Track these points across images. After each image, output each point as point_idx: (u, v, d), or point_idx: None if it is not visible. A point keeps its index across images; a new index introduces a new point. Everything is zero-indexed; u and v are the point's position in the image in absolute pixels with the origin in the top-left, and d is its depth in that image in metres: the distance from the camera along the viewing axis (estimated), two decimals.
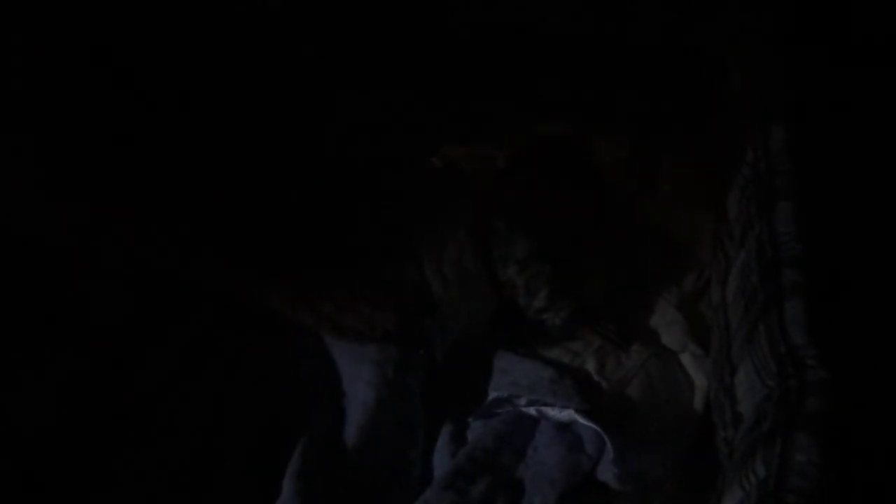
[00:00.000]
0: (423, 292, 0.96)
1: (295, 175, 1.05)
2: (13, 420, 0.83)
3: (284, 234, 0.99)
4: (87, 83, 0.86)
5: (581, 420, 0.86)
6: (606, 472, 0.84)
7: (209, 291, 0.92)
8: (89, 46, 0.85)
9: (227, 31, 1.04)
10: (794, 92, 0.98)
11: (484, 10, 1.27)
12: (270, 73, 1.09)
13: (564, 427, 0.88)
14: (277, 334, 0.92)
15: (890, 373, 0.87)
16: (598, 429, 0.85)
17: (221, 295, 0.92)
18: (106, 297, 0.91)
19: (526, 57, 1.27)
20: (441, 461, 0.87)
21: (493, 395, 0.92)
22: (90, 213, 0.86)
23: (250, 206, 0.98)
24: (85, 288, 0.90)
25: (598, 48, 1.26)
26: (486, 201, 1.06)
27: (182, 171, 0.94)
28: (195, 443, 0.84)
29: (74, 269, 0.88)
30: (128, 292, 0.92)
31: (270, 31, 1.09)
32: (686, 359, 1.00)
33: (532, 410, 0.89)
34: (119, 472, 0.82)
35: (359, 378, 0.87)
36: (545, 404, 0.89)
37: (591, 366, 0.96)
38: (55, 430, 0.84)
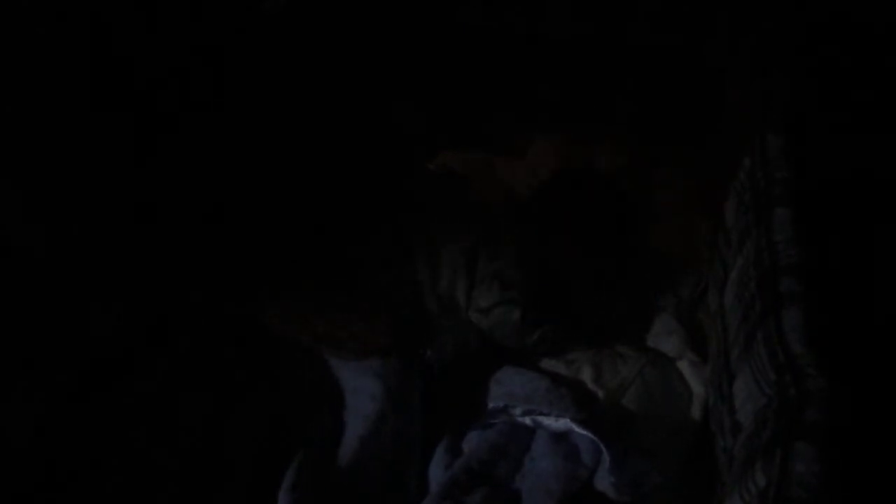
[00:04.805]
0: (418, 309, 0.95)
1: (292, 188, 1.05)
2: (6, 429, 0.82)
3: (280, 246, 0.99)
4: (86, 88, 0.86)
5: (577, 429, 0.86)
6: (603, 481, 0.84)
7: (205, 303, 0.92)
8: (89, 48, 0.85)
9: (226, 37, 1.04)
10: (791, 100, 0.98)
11: (482, 15, 1.27)
12: (266, 82, 1.09)
13: (561, 436, 0.87)
14: (278, 345, 0.91)
15: (888, 380, 0.86)
16: (595, 438, 0.84)
17: (217, 307, 0.92)
18: (102, 307, 0.91)
19: (525, 63, 1.27)
20: (436, 472, 0.86)
21: (489, 405, 0.92)
22: (83, 231, 0.86)
23: (247, 223, 0.98)
24: (81, 298, 0.89)
25: (599, 55, 1.25)
26: (486, 227, 1.05)
27: (179, 188, 0.94)
28: (194, 452, 0.84)
29: (71, 279, 0.87)
30: (124, 304, 0.92)
31: (268, 37, 1.09)
32: (684, 366, 0.99)
33: (528, 420, 0.89)
34: (114, 480, 0.82)
35: (362, 391, 0.86)
36: (541, 414, 0.88)
37: (587, 375, 0.95)
38: (48, 437, 0.83)
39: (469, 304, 0.98)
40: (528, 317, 0.98)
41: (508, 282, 0.99)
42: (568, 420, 0.86)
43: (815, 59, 1.13)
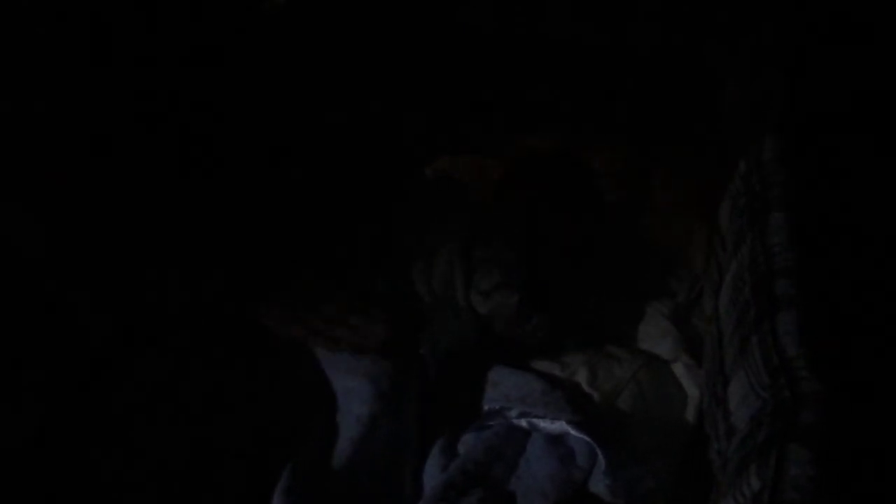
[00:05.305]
0: (413, 306, 0.95)
1: (286, 185, 1.05)
2: (4, 429, 0.82)
3: (275, 245, 0.99)
4: (85, 88, 0.86)
5: (572, 432, 0.86)
6: (598, 484, 0.84)
7: (200, 303, 0.92)
8: (88, 47, 0.85)
9: (226, 37, 1.04)
10: (790, 101, 0.98)
11: (481, 15, 1.27)
12: (261, 82, 1.09)
13: (556, 439, 0.88)
14: (270, 347, 0.91)
15: (884, 383, 0.86)
16: (590, 440, 0.84)
17: (213, 307, 0.92)
18: (94, 307, 0.91)
19: (521, 65, 1.27)
20: (431, 475, 0.86)
21: (484, 407, 0.92)
22: (75, 231, 0.86)
23: (241, 219, 0.98)
24: (73, 296, 0.89)
25: (595, 57, 1.26)
26: (479, 219, 1.06)
27: (171, 187, 0.94)
28: (186, 455, 0.84)
29: (62, 278, 0.88)
30: (116, 302, 0.92)
31: (263, 36, 1.09)
32: (678, 369, 0.99)
33: (523, 422, 0.89)
34: (108, 483, 0.82)
35: (353, 393, 0.86)
36: (536, 416, 0.88)
37: (582, 377, 0.95)
38: (46, 438, 0.83)
39: (467, 296, 0.99)
40: (525, 303, 0.98)
41: (507, 267, 1.00)
42: (563, 422, 0.86)
43: (815, 59, 1.13)
